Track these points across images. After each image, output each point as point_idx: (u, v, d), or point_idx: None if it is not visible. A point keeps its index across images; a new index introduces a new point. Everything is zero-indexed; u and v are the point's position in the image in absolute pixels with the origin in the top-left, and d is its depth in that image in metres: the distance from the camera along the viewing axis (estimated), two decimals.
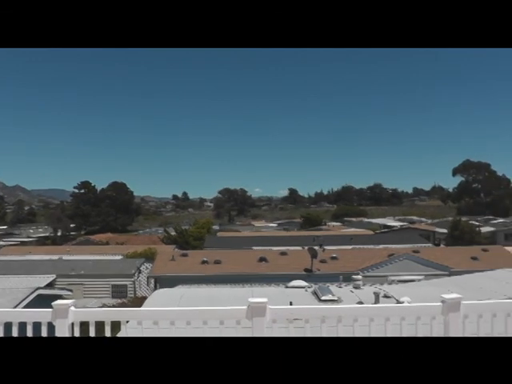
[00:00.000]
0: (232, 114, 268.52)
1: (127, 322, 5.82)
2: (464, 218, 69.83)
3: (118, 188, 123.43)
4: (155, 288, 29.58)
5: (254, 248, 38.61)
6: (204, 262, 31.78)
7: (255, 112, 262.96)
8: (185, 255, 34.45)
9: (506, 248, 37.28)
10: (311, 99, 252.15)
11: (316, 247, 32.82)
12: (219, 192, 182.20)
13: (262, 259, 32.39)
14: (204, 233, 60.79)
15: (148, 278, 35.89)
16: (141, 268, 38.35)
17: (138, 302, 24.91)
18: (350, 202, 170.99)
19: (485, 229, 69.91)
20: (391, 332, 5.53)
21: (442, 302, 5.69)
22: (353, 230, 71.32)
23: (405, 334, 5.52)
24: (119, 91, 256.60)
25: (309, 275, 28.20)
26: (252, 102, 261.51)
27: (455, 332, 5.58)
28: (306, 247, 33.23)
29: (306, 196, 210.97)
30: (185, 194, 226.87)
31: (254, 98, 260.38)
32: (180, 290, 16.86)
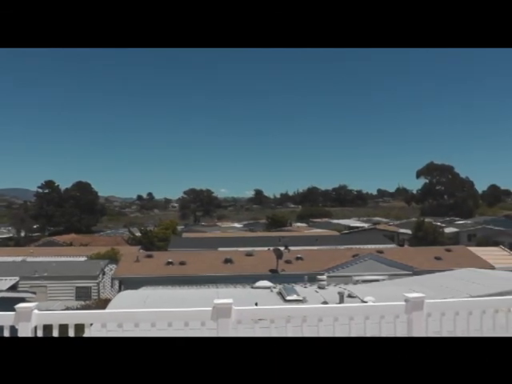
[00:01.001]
0: (198, 114, 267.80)
1: (91, 324, 5.74)
2: (428, 219, 70.69)
3: (83, 188, 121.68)
4: (119, 290, 29.32)
5: (220, 249, 38.54)
6: (169, 263, 31.61)
7: (221, 112, 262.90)
8: (149, 256, 34.23)
9: (469, 248, 37.93)
10: (273, 99, 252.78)
11: (281, 248, 32.90)
12: (185, 192, 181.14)
13: (227, 260, 32.36)
14: (169, 234, 60.52)
15: (112, 279, 35.51)
16: (105, 269, 37.87)
17: (102, 304, 24.59)
18: (315, 203, 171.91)
19: (448, 229, 71.02)
20: (355, 331, 5.56)
21: (406, 301, 5.75)
22: (318, 230, 71.71)
23: (369, 333, 5.56)
24: (88, 88, 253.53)
25: (274, 276, 28.23)
26: (216, 103, 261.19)
27: (418, 330, 5.64)
28: (272, 248, 33.26)
29: (272, 197, 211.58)
30: (150, 194, 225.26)
31: (218, 98, 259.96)
32: (145, 292, 16.69)
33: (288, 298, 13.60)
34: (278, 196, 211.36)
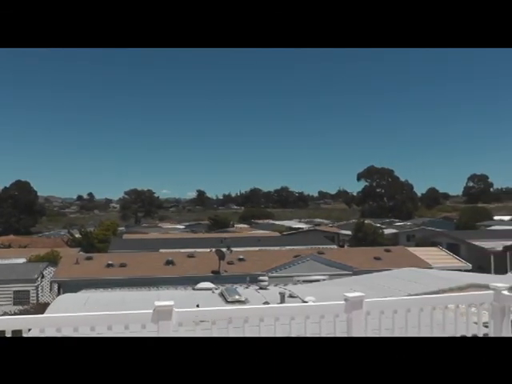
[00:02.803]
0: (140, 114, 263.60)
1: (29, 330, 5.60)
2: (367, 221, 71.85)
3: (22, 187, 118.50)
4: (59, 293, 28.73)
5: (161, 250, 38.14)
6: (109, 266, 31.03)
7: (161, 113, 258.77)
8: (89, 258, 33.57)
9: (408, 248, 38.84)
10: (211, 101, 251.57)
11: (223, 249, 32.92)
12: (126, 193, 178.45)
13: (168, 262, 32.07)
14: (109, 235, 59.57)
15: (51, 282, 34.68)
16: (44, 272, 36.91)
17: (41, 308, 24.03)
18: (257, 205, 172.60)
19: (388, 231, 72.36)
20: (296, 331, 5.61)
21: (345, 300, 5.83)
22: (260, 231, 71.95)
23: (309, 333, 5.61)
24: (28, 85, 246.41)
25: (216, 277, 28.20)
26: (155, 102, 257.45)
27: (357, 328, 5.73)
28: (214, 249, 33.25)
29: (214, 198, 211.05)
30: (90, 194, 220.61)
31: (158, 98, 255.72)
32: (84, 295, 16.44)
33: (230, 299, 13.62)
34: (221, 197, 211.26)
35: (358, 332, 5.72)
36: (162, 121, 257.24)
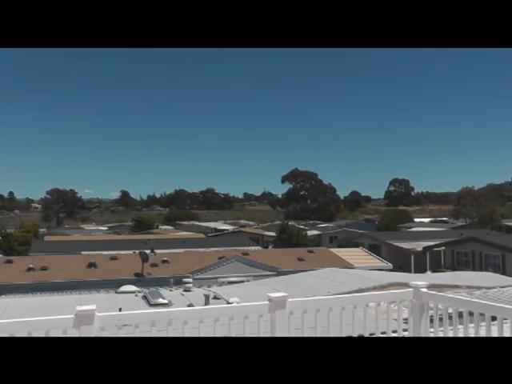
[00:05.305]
0: (61, 110, 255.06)
1: None
2: (291, 222, 72.77)
3: None
4: None
5: (83, 253, 37.37)
6: (30, 269, 30.14)
7: (83, 109, 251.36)
8: (9, 262, 32.53)
9: (331, 249, 39.68)
10: (141, 99, 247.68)
11: (147, 251, 32.58)
12: (48, 193, 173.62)
13: (91, 264, 31.48)
14: (30, 237, 57.64)
15: None
16: None
17: None
18: (182, 206, 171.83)
19: (311, 232, 73.66)
20: (220, 332, 5.59)
21: (269, 300, 5.86)
22: (185, 233, 71.61)
23: (233, 334, 5.61)
24: None
25: (139, 280, 27.88)
26: (81, 99, 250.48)
27: (281, 328, 5.78)
28: (137, 251, 32.88)
29: (139, 199, 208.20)
30: (11, 193, 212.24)
31: (82, 93, 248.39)
32: (3, 301, 15.81)
33: (153, 302, 13.47)
34: (145, 198, 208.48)
35: (282, 331, 5.77)
36: (83, 118, 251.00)
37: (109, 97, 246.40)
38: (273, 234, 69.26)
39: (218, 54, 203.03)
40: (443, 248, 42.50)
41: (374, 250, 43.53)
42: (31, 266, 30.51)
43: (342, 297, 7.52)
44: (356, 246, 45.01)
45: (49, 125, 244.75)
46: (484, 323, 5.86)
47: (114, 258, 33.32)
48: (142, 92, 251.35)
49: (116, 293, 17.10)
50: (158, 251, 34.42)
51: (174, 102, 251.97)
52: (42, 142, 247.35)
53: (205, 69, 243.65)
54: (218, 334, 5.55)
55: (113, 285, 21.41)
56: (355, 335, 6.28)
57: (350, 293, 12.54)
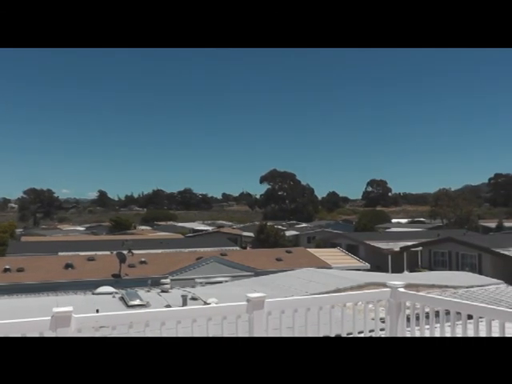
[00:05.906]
0: (38, 108, 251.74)
1: None
2: (269, 223, 72.95)
3: None
4: None
5: (60, 253, 36.99)
6: (6, 270, 29.75)
7: (61, 108, 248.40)
8: None
9: (309, 249, 39.81)
10: (117, 97, 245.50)
11: (125, 252, 32.38)
12: (24, 192, 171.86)
13: (68, 265, 31.14)
14: (7, 237, 56.97)
15: None
16: None
17: None
18: (160, 206, 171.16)
19: (289, 232, 73.87)
20: (198, 333, 5.58)
21: (247, 301, 5.86)
22: (163, 233, 71.27)
23: (211, 334, 5.60)
24: None
25: (117, 281, 27.72)
26: (59, 96, 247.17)
27: (259, 328, 5.78)
28: (115, 252, 32.65)
29: (116, 199, 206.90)
30: None
31: (59, 90, 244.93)
32: None
33: (131, 303, 13.42)
34: (123, 198, 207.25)
35: (260, 332, 5.77)
36: (60, 116, 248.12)
37: (85, 94, 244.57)
38: (251, 234, 69.31)
39: (198, 52, 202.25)
40: (420, 248, 42.79)
41: (352, 250, 43.77)
42: (7, 267, 30.11)
43: (319, 297, 7.54)
44: (334, 246, 45.16)
45: (25, 123, 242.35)
46: (460, 322, 5.92)
47: (91, 258, 33.05)
48: (119, 90, 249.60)
49: (93, 294, 17.00)
50: (135, 252, 34.23)
51: (151, 101, 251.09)
52: (19, 141, 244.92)
53: (182, 66, 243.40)
54: (196, 335, 5.54)
55: (90, 286, 21.27)
56: (333, 335, 6.31)
57: (327, 293, 12.61)
